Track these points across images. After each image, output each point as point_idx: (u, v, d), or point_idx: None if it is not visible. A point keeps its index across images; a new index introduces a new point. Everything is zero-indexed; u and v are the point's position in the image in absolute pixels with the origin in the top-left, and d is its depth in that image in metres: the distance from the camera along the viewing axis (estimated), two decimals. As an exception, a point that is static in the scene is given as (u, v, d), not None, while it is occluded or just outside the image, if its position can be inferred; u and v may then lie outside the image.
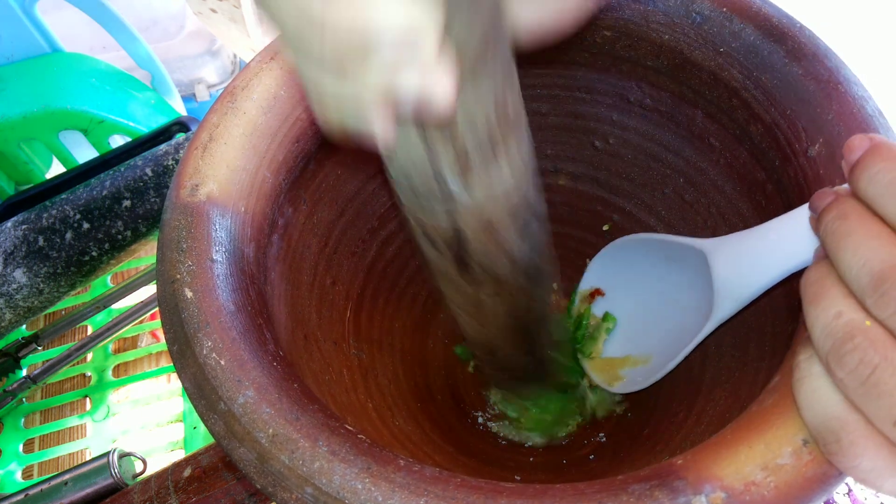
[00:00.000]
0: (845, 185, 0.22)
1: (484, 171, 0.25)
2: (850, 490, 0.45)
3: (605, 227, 0.45)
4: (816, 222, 0.22)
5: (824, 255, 0.21)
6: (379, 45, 0.17)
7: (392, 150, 0.24)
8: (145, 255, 0.63)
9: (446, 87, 0.19)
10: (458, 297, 0.32)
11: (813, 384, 0.21)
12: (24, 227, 0.46)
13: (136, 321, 0.60)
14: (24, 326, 0.61)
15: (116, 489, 0.44)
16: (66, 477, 0.45)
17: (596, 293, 0.44)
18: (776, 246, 0.28)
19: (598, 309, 0.44)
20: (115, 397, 0.60)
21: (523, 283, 0.31)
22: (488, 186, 0.26)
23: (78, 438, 0.58)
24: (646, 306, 0.42)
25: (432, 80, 0.19)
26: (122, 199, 0.46)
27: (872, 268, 0.19)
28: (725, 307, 0.32)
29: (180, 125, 0.53)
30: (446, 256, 0.29)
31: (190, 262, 0.27)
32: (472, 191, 0.25)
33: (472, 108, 0.23)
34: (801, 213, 0.26)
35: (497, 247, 0.28)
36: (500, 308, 0.32)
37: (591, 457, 0.41)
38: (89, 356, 0.63)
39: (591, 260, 0.44)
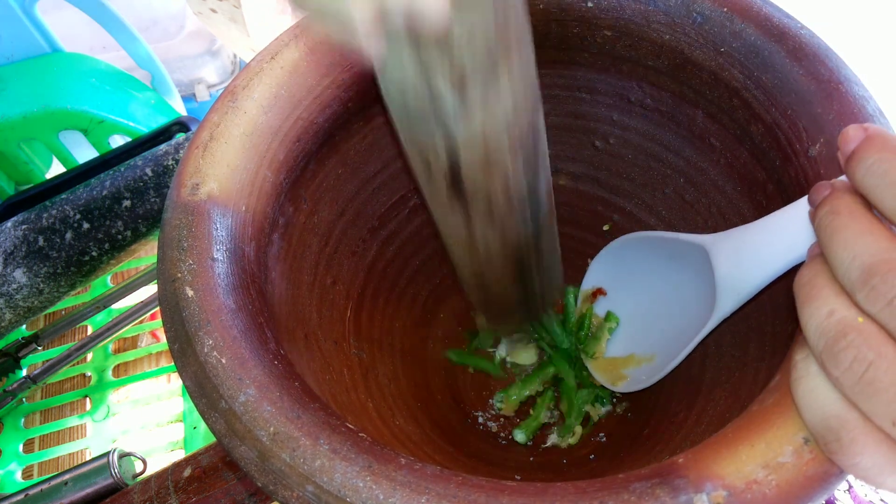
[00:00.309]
0: (843, 178, 0.22)
1: (482, 90, 0.24)
2: (850, 487, 0.45)
3: (606, 227, 0.45)
4: (812, 217, 0.22)
5: (817, 253, 0.21)
6: None
7: (382, 64, 0.23)
8: (145, 255, 0.63)
9: (437, 2, 0.18)
10: (449, 222, 0.31)
11: (810, 384, 0.21)
12: (24, 227, 0.46)
13: (136, 321, 0.60)
14: (24, 326, 0.61)
15: (116, 489, 0.44)
16: (66, 477, 0.45)
17: (598, 293, 0.44)
18: (777, 238, 0.28)
19: (600, 308, 0.44)
20: (115, 397, 0.60)
21: (516, 205, 0.30)
22: (487, 108, 0.24)
23: (78, 438, 0.58)
24: (648, 304, 0.41)
25: None
26: (122, 199, 0.46)
27: (863, 262, 0.19)
28: (728, 302, 0.32)
29: (180, 125, 0.53)
30: (438, 178, 0.28)
31: (191, 261, 0.27)
32: (469, 111, 0.24)
33: (470, 19, 0.21)
34: (802, 205, 0.26)
35: (493, 171, 0.27)
36: (491, 234, 0.31)
37: (592, 456, 0.41)
38: (89, 356, 0.63)
39: (592, 259, 0.44)
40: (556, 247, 0.38)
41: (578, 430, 0.42)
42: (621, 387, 0.41)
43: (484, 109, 0.25)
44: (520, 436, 0.43)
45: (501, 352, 0.47)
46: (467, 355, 0.47)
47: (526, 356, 0.46)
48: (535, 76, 0.27)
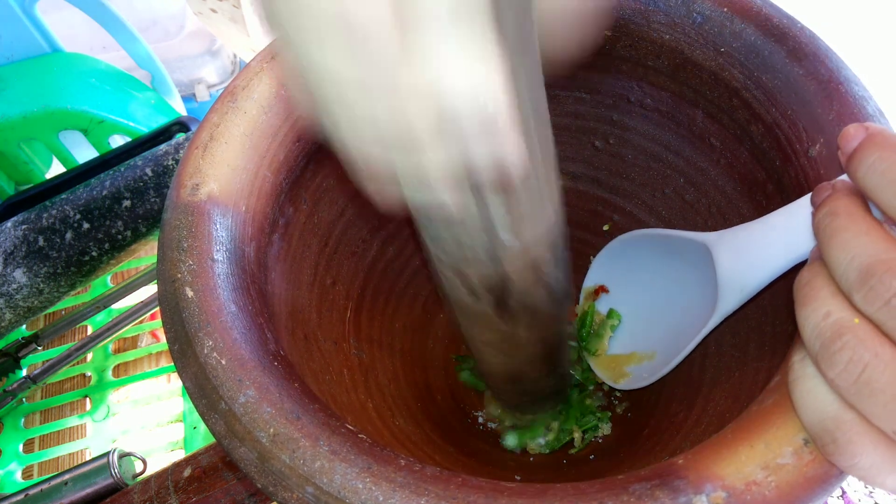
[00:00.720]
0: (844, 177, 0.22)
1: (533, 217, 0.24)
2: (843, 493, 0.45)
3: (606, 228, 0.45)
4: (812, 218, 0.22)
5: (818, 255, 0.21)
6: (453, 113, 0.16)
7: (455, 215, 0.23)
8: (145, 255, 0.63)
9: (519, 151, 0.18)
10: (488, 335, 0.32)
11: (807, 385, 0.21)
12: (24, 227, 0.46)
13: (136, 321, 0.60)
14: (24, 326, 0.61)
15: (116, 489, 0.44)
16: (66, 477, 0.45)
17: (600, 290, 0.44)
18: (779, 236, 0.28)
19: (602, 306, 0.44)
20: (115, 397, 0.60)
21: (556, 309, 0.31)
22: (535, 228, 0.25)
23: (78, 438, 0.58)
24: (650, 302, 0.41)
25: (506, 145, 0.17)
26: (122, 199, 0.46)
27: (860, 263, 0.19)
28: (730, 300, 0.31)
29: (180, 125, 0.53)
30: (484, 301, 0.28)
31: (191, 262, 0.27)
32: (521, 236, 0.25)
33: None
34: (804, 203, 0.26)
35: (538, 283, 0.28)
36: (533, 337, 0.32)
37: (592, 457, 0.41)
38: (89, 356, 0.63)
39: (594, 257, 0.44)
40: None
41: (578, 435, 0.42)
42: (623, 384, 0.41)
43: (533, 236, 0.25)
44: (511, 441, 0.43)
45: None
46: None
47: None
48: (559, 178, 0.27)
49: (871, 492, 0.44)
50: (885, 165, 0.19)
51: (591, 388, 0.45)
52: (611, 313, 0.44)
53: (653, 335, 0.41)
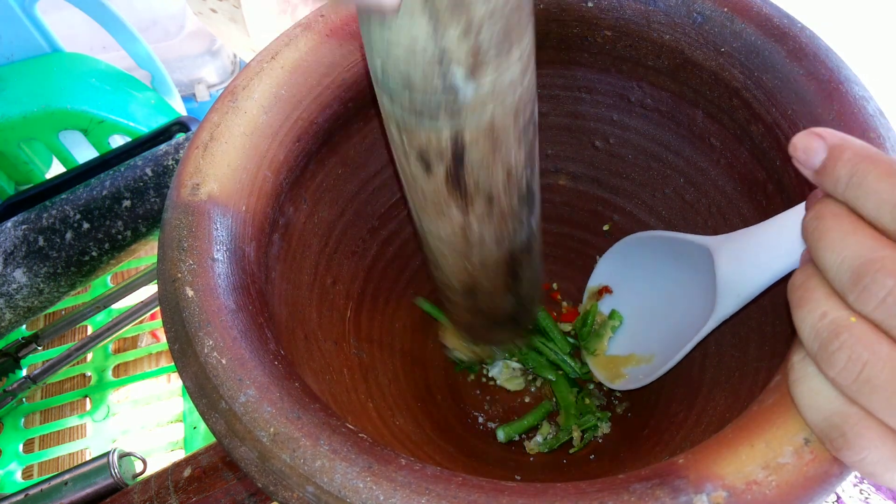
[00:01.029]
0: None
1: (496, 61, 0.23)
2: (838, 498, 0.45)
3: (606, 227, 0.45)
4: (801, 222, 0.22)
5: (809, 258, 0.21)
6: None
7: (392, 51, 0.22)
8: (145, 255, 0.63)
9: None
10: (443, 226, 0.31)
11: (810, 384, 0.21)
12: (24, 227, 0.46)
13: (136, 321, 0.60)
14: (24, 326, 0.61)
15: (116, 489, 0.44)
16: (66, 477, 0.45)
17: (604, 290, 0.44)
18: (777, 243, 0.28)
19: (605, 306, 0.44)
20: (115, 397, 0.60)
21: (515, 202, 0.30)
22: (497, 76, 0.24)
23: (78, 438, 0.58)
24: (652, 305, 0.42)
25: None
26: (122, 199, 0.46)
27: (851, 264, 0.19)
28: (728, 304, 0.32)
29: (180, 125, 0.53)
30: (436, 171, 0.27)
31: (191, 261, 0.27)
32: (479, 82, 0.23)
33: None
34: (800, 210, 0.26)
35: (496, 157, 0.27)
36: (488, 234, 0.31)
37: (592, 457, 0.41)
38: (89, 356, 0.63)
39: (600, 257, 0.44)
40: (540, 253, 0.38)
41: (577, 434, 0.42)
42: (618, 384, 0.41)
43: (495, 96, 0.24)
44: (500, 434, 0.43)
45: (494, 371, 0.46)
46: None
47: (515, 383, 0.46)
48: (534, 40, 0.26)
49: (866, 497, 0.44)
50: (856, 179, 0.20)
51: (592, 386, 0.45)
52: (613, 314, 0.44)
53: (652, 338, 0.41)
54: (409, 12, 0.21)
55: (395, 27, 0.22)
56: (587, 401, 0.43)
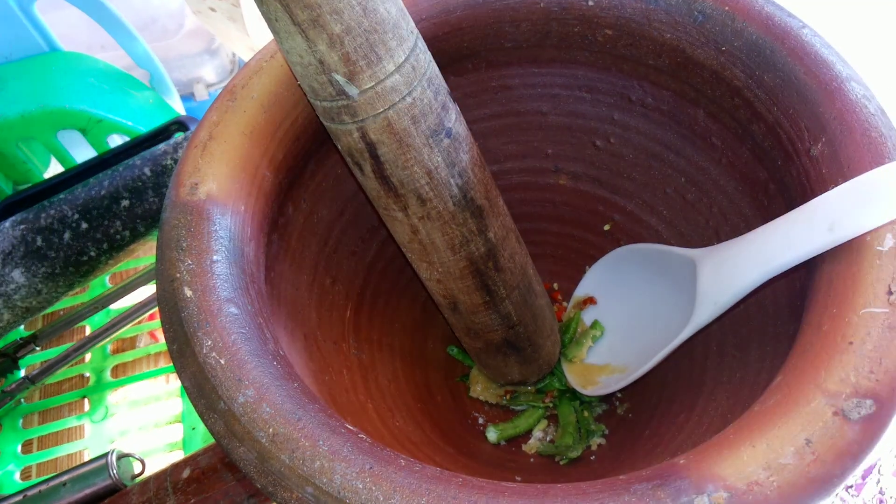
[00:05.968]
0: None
1: (370, 73, 0.25)
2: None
3: (606, 227, 0.45)
4: None
5: None
6: None
7: (284, 42, 0.25)
8: (144, 255, 0.63)
9: None
10: (398, 230, 0.32)
11: None
12: (22, 226, 0.46)
13: (135, 321, 0.60)
14: (22, 327, 0.60)
15: (115, 490, 0.44)
16: (65, 478, 0.45)
17: (588, 301, 0.45)
18: (756, 250, 0.29)
19: (588, 316, 0.45)
20: (114, 398, 0.60)
21: (451, 206, 0.31)
22: (377, 84, 0.26)
23: (76, 439, 0.58)
24: (634, 317, 0.42)
25: None
26: (120, 198, 0.46)
27: None
28: (704, 313, 0.32)
29: (179, 124, 0.52)
30: (368, 174, 0.29)
31: (190, 261, 0.27)
32: (361, 87, 0.26)
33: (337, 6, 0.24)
34: (782, 221, 0.27)
35: (406, 154, 0.28)
36: (437, 237, 0.32)
37: (592, 457, 0.41)
38: (88, 357, 0.62)
39: (589, 267, 0.45)
40: (531, 285, 0.38)
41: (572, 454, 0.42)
42: (589, 391, 0.42)
43: (382, 99, 0.26)
44: (492, 434, 0.42)
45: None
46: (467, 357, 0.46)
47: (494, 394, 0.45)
48: (429, 61, 0.28)
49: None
50: None
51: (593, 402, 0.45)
52: (595, 324, 0.44)
53: (630, 349, 0.41)
54: (287, 31, 0.24)
55: (285, 46, 0.25)
56: (586, 413, 0.43)
